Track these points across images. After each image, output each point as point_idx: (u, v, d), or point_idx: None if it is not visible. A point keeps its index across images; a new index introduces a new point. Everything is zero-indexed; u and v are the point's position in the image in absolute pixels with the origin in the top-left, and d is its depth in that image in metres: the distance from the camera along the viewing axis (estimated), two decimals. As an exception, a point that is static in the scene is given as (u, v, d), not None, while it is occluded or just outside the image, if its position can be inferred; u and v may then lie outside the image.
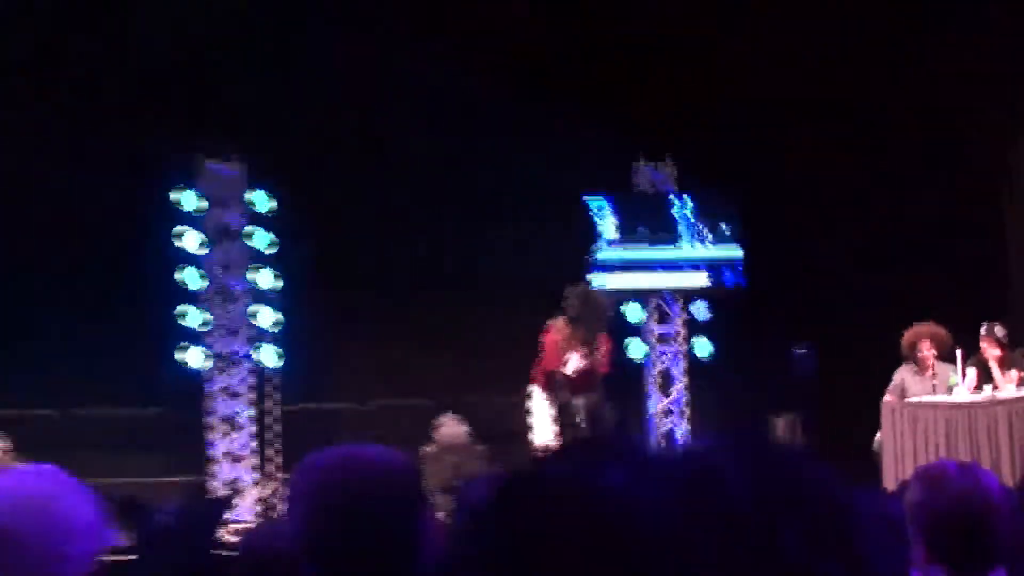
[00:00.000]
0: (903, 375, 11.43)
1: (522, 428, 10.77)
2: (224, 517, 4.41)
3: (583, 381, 10.65)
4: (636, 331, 13.95)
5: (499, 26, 12.96)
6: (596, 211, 13.21)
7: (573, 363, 10.59)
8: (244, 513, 12.37)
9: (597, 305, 10.90)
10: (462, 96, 12.97)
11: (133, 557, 3.98)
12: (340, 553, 2.41)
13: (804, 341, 13.50)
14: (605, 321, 10.91)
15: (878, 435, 11.12)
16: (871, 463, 11.02)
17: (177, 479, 12.88)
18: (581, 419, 10.63)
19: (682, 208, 13.44)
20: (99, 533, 2.44)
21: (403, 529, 2.43)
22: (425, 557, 2.44)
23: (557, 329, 10.63)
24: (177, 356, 12.84)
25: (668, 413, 13.98)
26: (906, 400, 11.16)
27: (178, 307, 12.89)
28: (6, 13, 12.33)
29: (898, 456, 10.73)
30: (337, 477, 2.45)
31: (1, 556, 2.35)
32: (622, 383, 12.38)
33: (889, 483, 10.25)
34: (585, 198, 13.18)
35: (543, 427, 10.60)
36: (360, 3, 13.32)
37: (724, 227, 13.45)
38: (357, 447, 2.52)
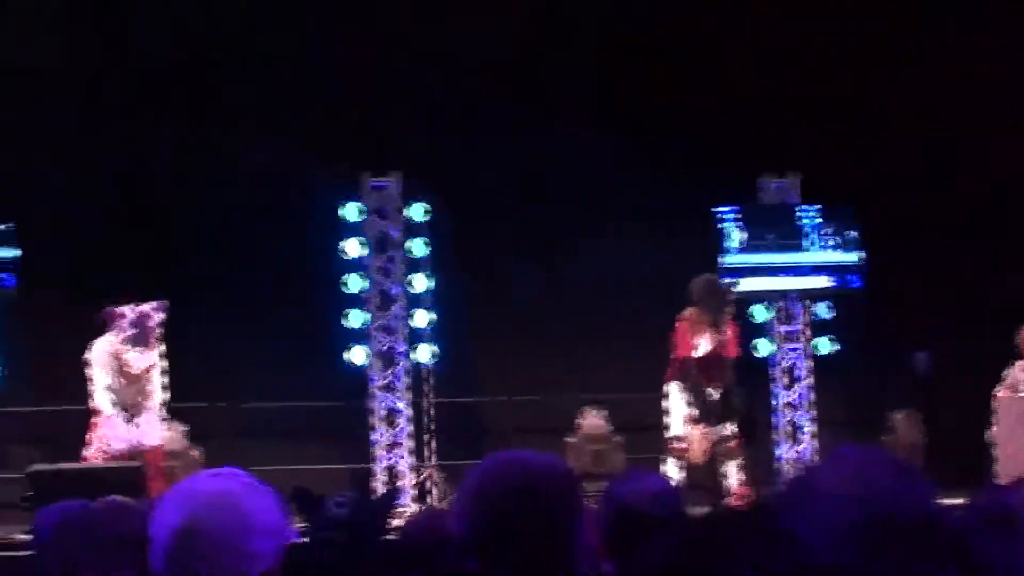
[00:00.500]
0: (1015, 371, 11.24)
1: (657, 421, 10.72)
2: (393, 508, 4.43)
3: (713, 365, 10.51)
4: (762, 330, 13.80)
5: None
6: (725, 221, 13.05)
7: (703, 346, 10.49)
8: (402, 498, 12.46)
9: (719, 289, 10.75)
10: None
11: (306, 541, 4.01)
12: (503, 551, 2.40)
13: (924, 343, 13.25)
14: (729, 304, 10.73)
15: (991, 428, 10.92)
16: (986, 455, 10.81)
17: (343, 466, 13.02)
18: (714, 404, 10.53)
19: (808, 216, 13.22)
20: (282, 531, 2.46)
21: (562, 533, 2.41)
22: (580, 555, 2.43)
23: (685, 318, 10.53)
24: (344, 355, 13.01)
25: (792, 406, 13.84)
26: (1018, 394, 10.97)
27: (343, 310, 13.02)
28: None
29: (1010, 447, 10.53)
30: (504, 483, 2.44)
31: (193, 556, 2.38)
32: (750, 377, 12.27)
33: (1002, 473, 10.06)
34: (715, 209, 13.03)
35: (677, 419, 10.53)
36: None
37: (848, 234, 13.19)
38: (525, 453, 2.51)
